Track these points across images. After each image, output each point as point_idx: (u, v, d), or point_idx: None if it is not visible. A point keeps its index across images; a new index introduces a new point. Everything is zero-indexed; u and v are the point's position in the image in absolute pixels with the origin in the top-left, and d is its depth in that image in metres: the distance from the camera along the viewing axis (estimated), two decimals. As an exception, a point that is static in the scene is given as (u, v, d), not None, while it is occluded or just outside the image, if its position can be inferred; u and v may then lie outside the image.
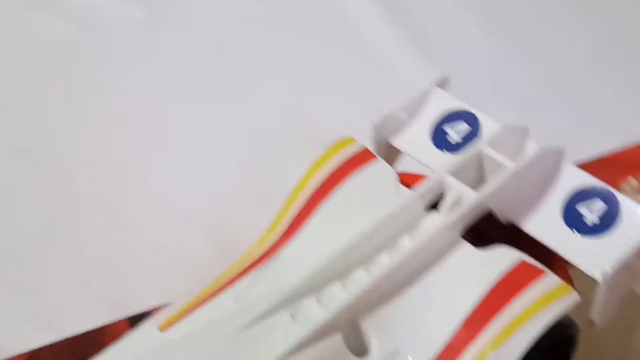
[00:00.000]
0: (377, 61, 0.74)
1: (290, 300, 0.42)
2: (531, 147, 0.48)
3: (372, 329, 0.42)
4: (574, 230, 0.46)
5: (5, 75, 0.74)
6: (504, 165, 0.46)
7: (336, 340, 0.41)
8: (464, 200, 0.45)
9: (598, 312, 0.45)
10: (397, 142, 0.50)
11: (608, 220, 0.46)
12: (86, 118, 0.71)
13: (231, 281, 0.44)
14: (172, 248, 0.62)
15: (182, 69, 0.74)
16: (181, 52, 0.75)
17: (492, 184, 0.46)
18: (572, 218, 0.47)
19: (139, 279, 0.60)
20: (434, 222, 0.44)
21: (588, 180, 0.47)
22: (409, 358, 0.42)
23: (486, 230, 0.47)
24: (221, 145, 0.69)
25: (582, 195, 0.47)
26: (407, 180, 0.47)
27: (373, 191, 0.46)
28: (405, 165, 0.51)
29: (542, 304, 0.42)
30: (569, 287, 0.43)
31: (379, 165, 0.47)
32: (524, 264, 0.43)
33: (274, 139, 0.68)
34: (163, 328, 0.42)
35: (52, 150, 0.69)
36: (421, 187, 0.46)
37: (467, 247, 0.44)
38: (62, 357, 0.46)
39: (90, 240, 0.64)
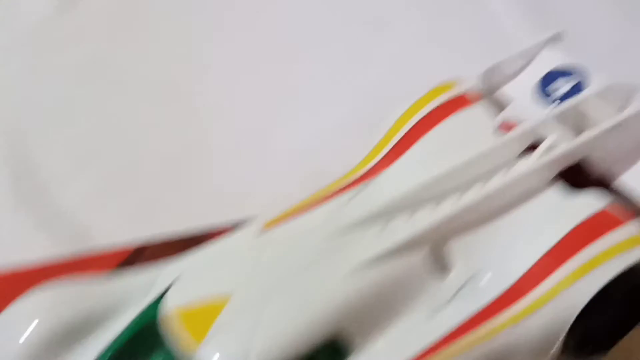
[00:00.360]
0: (494, 21, 0.74)
1: (382, 215, 0.44)
2: (637, 105, 0.48)
3: (457, 252, 0.44)
4: None
5: (132, 17, 0.77)
6: (605, 117, 0.47)
7: (421, 257, 0.43)
8: (559, 145, 0.46)
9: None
10: (503, 92, 0.52)
11: None
12: (209, 63, 0.74)
13: (329, 197, 0.47)
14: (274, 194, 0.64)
15: (299, 26, 0.76)
16: (302, 7, 0.77)
17: (589, 133, 0.47)
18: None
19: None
20: (528, 163, 0.46)
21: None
22: (488, 281, 0.43)
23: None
24: (332, 99, 0.71)
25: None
26: (507, 128, 0.49)
27: (472, 132, 0.48)
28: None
29: (616, 251, 0.43)
30: None
31: (480, 109, 0.49)
32: (606, 213, 0.44)
33: (384, 96, 0.70)
34: (265, 228, 0.45)
35: (179, 93, 0.72)
36: (519, 130, 0.47)
37: (559, 188, 0.46)
38: (169, 252, 0.49)
39: (203, 176, 0.67)
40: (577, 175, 0.48)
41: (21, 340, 0.42)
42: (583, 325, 0.44)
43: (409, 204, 0.45)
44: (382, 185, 0.47)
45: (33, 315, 0.42)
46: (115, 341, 0.42)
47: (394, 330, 0.42)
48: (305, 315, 0.40)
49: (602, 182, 0.48)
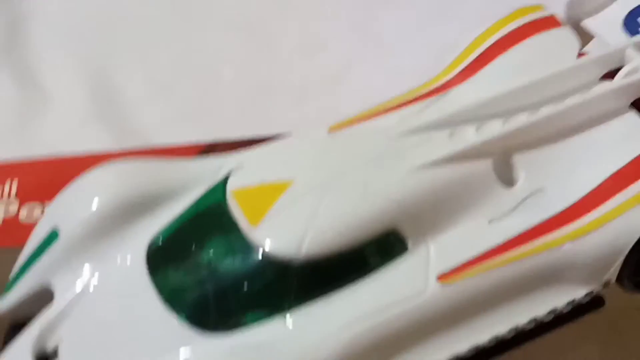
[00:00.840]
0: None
1: (452, 123, 0.44)
2: None
3: (524, 165, 0.44)
4: None
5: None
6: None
7: (486, 165, 0.43)
8: (638, 72, 0.46)
9: None
10: (589, 23, 0.52)
11: None
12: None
13: (399, 106, 0.47)
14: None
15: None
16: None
17: (671, 62, 0.46)
18: None
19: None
20: (604, 85, 0.46)
21: None
22: (552, 196, 0.43)
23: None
24: (414, 46, 0.71)
25: None
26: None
27: (553, 53, 0.48)
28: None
29: None
30: None
31: (565, 32, 0.49)
32: None
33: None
34: (332, 130, 0.46)
35: (259, 31, 0.74)
36: (598, 53, 0.47)
37: (633, 115, 0.45)
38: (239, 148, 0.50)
39: (277, 111, 0.69)
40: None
41: (91, 210, 0.43)
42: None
43: (482, 114, 0.45)
44: (457, 96, 0.47)
45: (107, 182, 0.44)
46: (179, 218, 0.43)
47: (455, 231, 0.42)
48: (363, 207, 0.41)
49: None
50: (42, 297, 0.43)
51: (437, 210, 0.42)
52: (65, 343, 0.42)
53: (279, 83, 0.71)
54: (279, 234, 0.40)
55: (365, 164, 0.42)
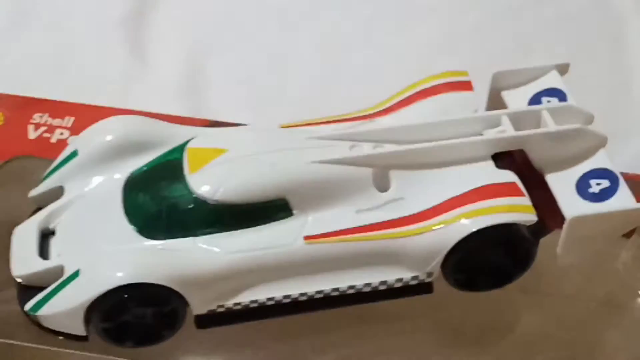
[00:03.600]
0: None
1: (357, 139, 0.62)
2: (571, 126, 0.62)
3: (397, 179, 0.61)
4: (578, 192, 0.61)
5: None
6: (547, 125, 0.62)
7: (367, 172, 0.61)
8: (504, 133, 0.62)
9: (561, 248, 0.60)
10: (505, 95, 0.68)
11: (605, 195, 0.61)
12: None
13: (338, 121, 0.65)
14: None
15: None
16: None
17: (528, 132, 0.62)
18: (582, 184, 0.62)
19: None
20: (474, 138, 0.62)
21: (609, 166, 0.62)
22: (407, 205, 0.60)
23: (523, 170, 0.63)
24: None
25: (599, 173, 0.62)
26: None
27: (454, 107, 0.65)
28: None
29: (506, 210, 0.59)
30: (533, 210, 0.59)
31: (469, 95, 0.66)
32: (513, 185, 0.60)
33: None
34: (281, 126, 0.64)
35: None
36: (482, 114, 0.63)
37: (490, 164, 0.62)
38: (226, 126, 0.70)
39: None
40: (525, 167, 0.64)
41: (105, 139, 0.64)
42: (466, 259, 0.60)
43: (381, 138, 0.62)
44: (377, 124, 0.65)
45: (115, 126, 0.64)
46: (152, 161, 0.63)
47: (330, 211, 0.60)
48: (265, 177, 0.59)
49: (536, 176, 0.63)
50: (57, 194, 0.64)
51: (320, 194, 0.60)
52: (61, 225, 0.62)
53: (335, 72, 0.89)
54: (203, 181, 0.59)
55: (279, 150, 0.61)
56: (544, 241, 0.62)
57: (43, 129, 0.72)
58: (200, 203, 0.59)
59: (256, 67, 0.92)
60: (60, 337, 0.59)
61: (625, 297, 0.67)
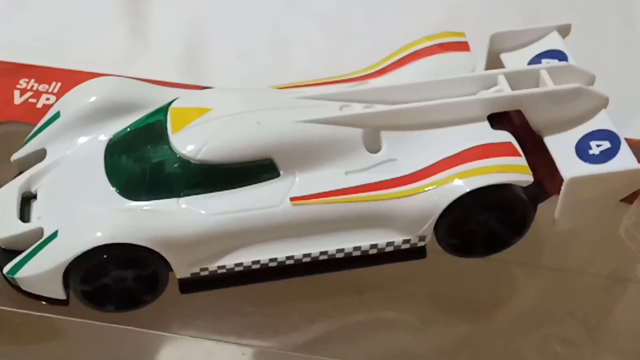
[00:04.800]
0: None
1: (347, 99, 0.60)
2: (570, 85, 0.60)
3: (388, 140, 0.59)
4: (577, 154, 0.59)
5: None
6: (545, 84, 0.60)
7: (357, 133, 0.59)
8: (501, 92, 0.60)
9: (559, 212, 0.58)
10: (504, 57, 0.65)
11: (605, 157, 0.58)
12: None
13: (329, 83, 0.63)
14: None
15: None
16: None
17: (525, 91, 0.60)
18: (581, 145, 0.59)
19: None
20: (468, 97, 0.60)
21: (611, 127, 0.60)
22: (398, 166, 0.58)
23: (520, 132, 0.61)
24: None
25: (600, 134, 0.60)
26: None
27: (451, 67, 0.62)
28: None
29: (501, 169, 0.56)
30: (529, 171, 0.57)
31: (467, 55, 0.63)
32: (509, 144, 0.58)
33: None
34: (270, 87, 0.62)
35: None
36: (478, 74, 0.61)
37: (485, 125, 0.59)
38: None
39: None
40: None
41: (88, 100, 0.62)
42: (458, 222, 0.57)
43: (372, 98, 0.60)
44: (370, 86, 0.62)
45: (99, 87, 0.62)
46: (135, 123, 0.61)
47: (318, 173, 0.58)
48: (250, 136, 0.57)
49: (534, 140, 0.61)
50: (39, 157, 0.62)
51: (308, 154, 0.58)
52: (42, 188, 0.61)
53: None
54: (186, 140, 0.57)
55: (266, 109, 0.59)
56: (544, 212, 0.59)
57: (29, 94, 0.71)
58: (183, 163, 0.57)
59: (257, 44, 0.90)
60: (42, 302, 0.58)
61: (628, 268, 0.64)
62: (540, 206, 0.59)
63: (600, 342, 0.61)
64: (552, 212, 0.59)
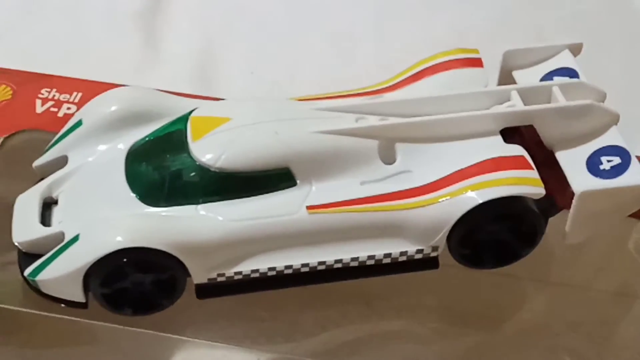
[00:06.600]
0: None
1: (363, 112, 0.61)
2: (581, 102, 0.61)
3: (403, 151, 0.60)
4: (588, 169, 0.60)
5: None
6: (557, 100, 0.61)
7: (373, 144, 0.60)
8: (514, 107, 0.61)
9: (570, 225, 0.59)
10: (516, 74, 0.67)
11: (616, 172, 0.60)
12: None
13: (346, 96, 0.65)
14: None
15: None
16: None
17: (538, 107, 0.61)
18: (592, 161, 0.61)
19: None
20: (482, 112, 0.61)
21: (621, 143, 0.61)
22: (412, 178, 0.59)
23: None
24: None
25: (611, 150, 0.61)
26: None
27: (464, 83, 0.64)
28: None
29: (513, 182, 0.58)
30: (541, 183, 0.58)
31: (480, 72, 0.65)
32: (521, 158, 0.59)
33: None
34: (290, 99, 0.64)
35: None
36: (492, 89, 0.62)
37: (498, 139, 0.61)
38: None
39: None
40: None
41: (110, 109, 0.63)
42: (471, 233, 0.58)
43: (387, 111, 0.62)
44: (382, 98, 0.64)
45: (120, 96, 0.64)
46: (155, 131, 0.62)
47: (334, 182, 0.59)
48: (268, 146, 0.58)
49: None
50: (61, 163, 0.64)
51: (324, 164, 0.59)
52: (64, 193, 0.62)
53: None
54: (205, 149, 0.58)
55: (284, 120, 0.60)
56: (553, 227, 0.60)
57: (50, 103, 0.72)
58: (202, 170, 0.58)
59: (268, 57, 0.92)
60: (62, 305, 0.59)
61: (637, 283, 0.65)
62: (549, 221, 0.60)
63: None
64: (561, 227, 0.60)
